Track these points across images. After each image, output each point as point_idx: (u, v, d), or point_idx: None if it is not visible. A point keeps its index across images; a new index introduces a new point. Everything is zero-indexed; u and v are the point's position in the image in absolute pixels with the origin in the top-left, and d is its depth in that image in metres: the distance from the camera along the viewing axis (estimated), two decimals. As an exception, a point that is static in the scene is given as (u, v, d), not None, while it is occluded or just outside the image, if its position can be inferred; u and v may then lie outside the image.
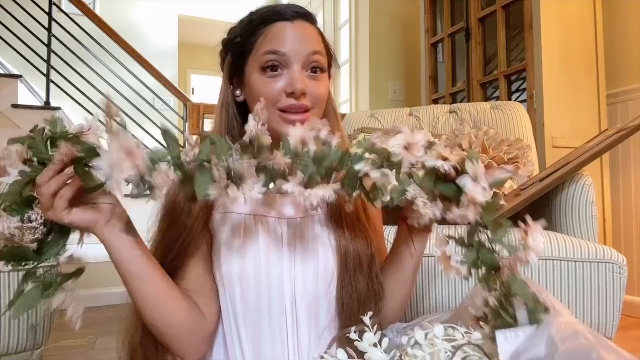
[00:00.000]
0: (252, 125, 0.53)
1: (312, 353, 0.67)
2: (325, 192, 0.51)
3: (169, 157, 0.52)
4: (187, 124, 3.22)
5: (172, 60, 4.34)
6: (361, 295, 0.68)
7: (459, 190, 0.51)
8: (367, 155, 0.53)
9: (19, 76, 3.00)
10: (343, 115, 1.99)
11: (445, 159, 0.51)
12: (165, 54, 4.28)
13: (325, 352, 0.56)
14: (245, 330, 0.67)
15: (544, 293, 0.51)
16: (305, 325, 0.68)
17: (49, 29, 3.04)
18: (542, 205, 1.25)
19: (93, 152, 0.51)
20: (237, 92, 0.73)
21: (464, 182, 0.51)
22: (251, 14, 0.71)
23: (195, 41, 5.22)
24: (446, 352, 0.48)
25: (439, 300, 1.06)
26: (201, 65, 5.79)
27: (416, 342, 0.50)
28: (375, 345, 0.52)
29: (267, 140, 0.53)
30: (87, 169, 0.52)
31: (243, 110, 0.74)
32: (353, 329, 0.54)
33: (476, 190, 0.50)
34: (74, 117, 3.44)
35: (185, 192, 0.54)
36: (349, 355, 0.53)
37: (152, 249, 0.68)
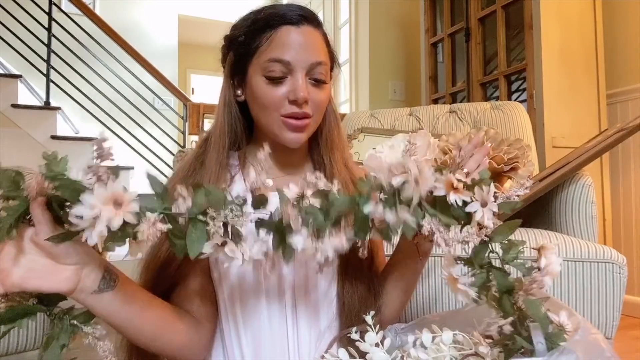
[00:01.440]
0: (253, 177, 0.51)
1: (313, 353, 0.67)
2: (338, 241, 0.49)
3: (159, 210, 0.46)
4: (187, 124, 3.21)
5: (172, 60, 4.34)
6: (362, 295, 0.68)
7: (468, 213, 0.50)
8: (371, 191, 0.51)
9: (19, 76, 3.00)
10: (343, 115, 1.99)
11: (455, 187, 0.49)
12: (165, 54, 4.28)
13: (327, 352, 0.56)
14: (244, 330, 0.67)
15: (569, 310, 0.50)
16: (306, 325, 0.68)
17: (49, 29, 3.04)
18: (542, 205, 1.25)
19: (75, 193, 0.44)
20: (239, 91, 0.72)
21: (474, 208, 0.49)
22: (256, 13, 0.70)
23: (195, 41, 5.22)
24: (451, 359, 0.48)
25: (430, 299, 1.06)
26: (201, 65, 5.79)
27: (421, 344, 0.50)
28: (377, 345, 0.52)
29: (267, 192, 0.51)
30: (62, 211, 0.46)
31: (243, 109, 0.73)
32: (354, 329, 0.53)
33: (486, 215, 0.49)
34: (74, 117, 3.45)
35: (173, 250, 0.49)
36: (351, 355, 0.53)
37: (150, 258, 0.67)
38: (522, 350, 0.47)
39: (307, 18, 0.69)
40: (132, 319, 0.57)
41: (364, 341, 0.52)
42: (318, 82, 0.68)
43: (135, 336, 0.60)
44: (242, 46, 0.69)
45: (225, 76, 0.74)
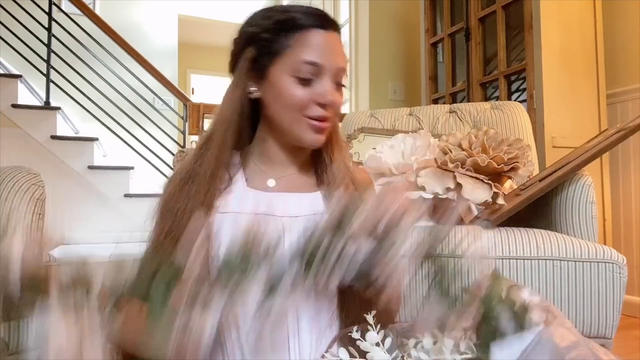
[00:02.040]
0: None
1: (313, 353, 0.67)
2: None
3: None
4: (187, 124, 3.22)
5: (172, 60, 4.34)
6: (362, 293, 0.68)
7: None
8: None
9: (19, 76, 3.00)
10: (343, 115, 1.99)
11: None
12: (165, 54, 4.28)
13: (327, 352, 0.56)
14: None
15: (540, 297, 0.50)
16: (307, 324, 0.68)
17: (49, 29, 3.04)
18: (542, 205, 1.25)
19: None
20: (253, 88, 0.72)
21: None
22: (278, 12, 0.71)
23: (195, 41, 5.23)
24: None
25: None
26: (201, 65, 5.79)
27: (422, 347, 0.50)
28: (377, 344, 0.52)
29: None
30: None
31: (252, 105, 0.74)
32: (355, 328, 0.53)
33: None
34: (74, 117, 3.45)
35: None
36: (351, 355, 0.53)
37: (152, 255, 0.66)
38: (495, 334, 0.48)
39: (333, 23, 0.71)
40: None
41: (365, 340, 0.52)
42: (339, 86, 0.71)
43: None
44: (267, 43, 0.70)
45: (239, 71, 0.72)
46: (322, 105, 0.68)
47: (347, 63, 0.74)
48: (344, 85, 0.73)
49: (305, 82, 0.68)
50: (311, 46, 0.68)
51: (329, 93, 0.68)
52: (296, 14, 0.69)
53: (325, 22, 0.70)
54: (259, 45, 0.70)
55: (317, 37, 0.68)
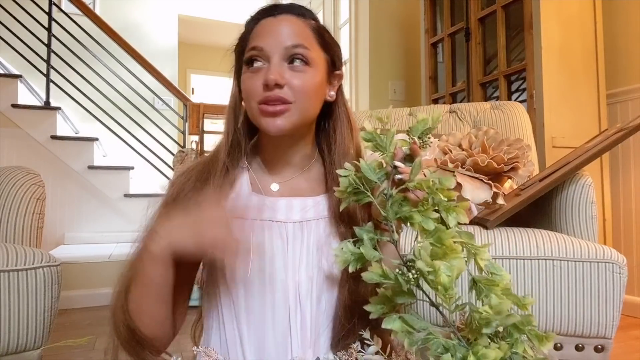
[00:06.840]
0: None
1: (311, 354, 0.67)
2: None
3: None
4: (187, 124, 3.22)
5: (172, 60, 4.34)
6: (365, 299, 0.67)
7: None
8: None
9: (19, 76, 3.00)
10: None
11: None
12: (165, 54, 4.28)
13: (336, 355, 0.55)
14: (248, 332, 0.67)
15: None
16: (309, 328, 0.68)
17: (49, 29, 3.04)
18: (542, 205, 1.25)
19: None
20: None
21: None
22: (250, 15, 0.73)
23: (195, 41, 5.23)
24: None
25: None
26: (201, 65, 5.79)
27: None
28: (377, 353, 0.51)
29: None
30: None
31: None
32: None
33: None
34: (74, 117, 3.45)
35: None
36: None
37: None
38: None
39: (290, 9, 0.70)
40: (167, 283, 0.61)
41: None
42: (295, 65, 0.67)
43: (152, 297, 0.62)
44: (238, 47, 0.72)
45: (233, 79, 0.75)
46: (267, 87, 0.65)
47: (317, 43, 0.70)
48: (306, 63, 0.67)
49: (255, 69, 0.67)
50: (257, 33, 0.68)
51: (270, 72, 0.64)
52: (257, 10, 0.71)
53: (276, 9, 0.70)
54: (235, 51, 0.73)
55: (263, 24, 0.69)
